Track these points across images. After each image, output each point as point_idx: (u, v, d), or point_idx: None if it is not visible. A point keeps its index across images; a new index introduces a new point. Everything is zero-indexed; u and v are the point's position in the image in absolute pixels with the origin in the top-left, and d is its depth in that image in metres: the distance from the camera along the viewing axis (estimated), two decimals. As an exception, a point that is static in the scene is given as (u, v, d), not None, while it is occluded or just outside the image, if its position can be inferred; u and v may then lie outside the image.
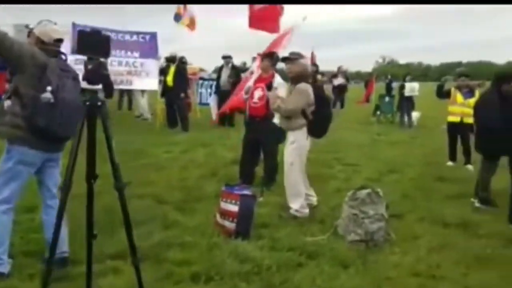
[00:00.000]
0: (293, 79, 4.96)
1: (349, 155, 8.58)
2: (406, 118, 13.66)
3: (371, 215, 4.17)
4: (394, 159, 8.17)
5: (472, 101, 7.04)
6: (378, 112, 15.08)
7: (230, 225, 4.24)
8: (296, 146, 4.87)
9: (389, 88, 18.71)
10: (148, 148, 8.45)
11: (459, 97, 7.75)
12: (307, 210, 4.86)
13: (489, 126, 5.30)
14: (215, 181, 6.11)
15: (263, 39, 7.06)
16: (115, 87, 12.00)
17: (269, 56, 6.06)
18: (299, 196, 4.85)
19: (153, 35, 11.29)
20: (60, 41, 3.40)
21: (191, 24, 12.56)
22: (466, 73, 8.07)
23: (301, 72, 4.94)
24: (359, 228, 4.16)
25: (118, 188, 2.71)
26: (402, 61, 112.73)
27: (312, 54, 16.95)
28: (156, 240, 3.98)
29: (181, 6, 12.28)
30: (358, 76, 68.62)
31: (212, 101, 12.28)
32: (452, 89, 7.92)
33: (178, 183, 5.99)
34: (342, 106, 18.21)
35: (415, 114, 13.67)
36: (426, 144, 10.10)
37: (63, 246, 3.53)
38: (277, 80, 5.80)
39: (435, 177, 6.89)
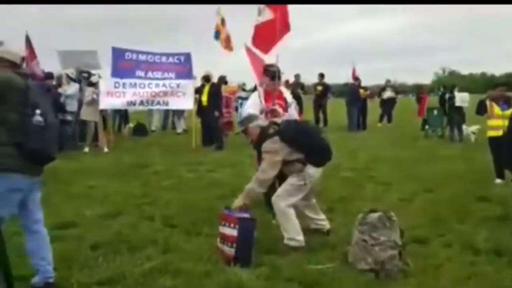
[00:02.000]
0: (256, 145, 4.58)
1: (385, 173, 8.06)
2: (456, 132, 12.79)
3: (382, 241, 3.76)
4: (433, 177, 7.56)
5: (509, 112, 6.43)
6: (427, 126, 14.26)
7: (229, 250, 3.97)
8: (296, 179, 4.34)
9: (442, 100, 17.72)
10: (175, 167, 8.39)
11: (496, 109, 7.11)
12: (301, 238, 4.29)
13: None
14: (231, 202, 5.88)
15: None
16: (152, 107, 12.30)
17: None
18: (289, 223, 4.32)
19: (188, 56, 11.41)
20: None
21: (227, 46, 12.51)
22: (505, 83, 7.43)
23: (259, 134, 4.49)
24: (369, 256, 3.76)
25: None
26: (464, 71, 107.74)
27: (353, 69, 16.50)
28: (150, 266, 3.79)
29: (219, 23, 12.30)
30: (416, 89, 66.11)
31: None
32: (487, 102, 7.28)
33: (194, 205, 5.80)
34: (389, 120, 17.47)
35: (472, 128, 12.65)
36: (475, 160, 9.33)
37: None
38: (289, 95, 5.53)
39: (476, 196, 6.28)
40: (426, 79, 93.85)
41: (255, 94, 5.55)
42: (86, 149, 10.89)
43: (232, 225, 3.98)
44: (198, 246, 4.29)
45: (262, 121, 4.61)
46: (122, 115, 14.64)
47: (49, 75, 11.22)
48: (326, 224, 4.73)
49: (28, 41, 11.48)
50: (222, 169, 8.23)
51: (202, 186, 6.88)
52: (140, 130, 14.44)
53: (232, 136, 12.69)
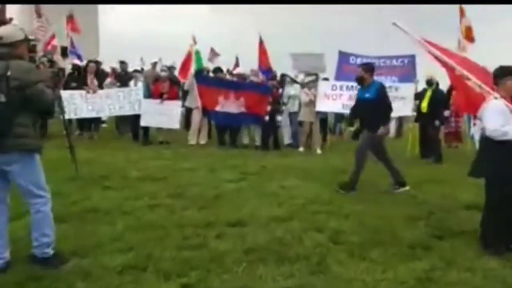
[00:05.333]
0: None
1: None
2: None
3: None
4: None
5: None
6: None
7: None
8: None
9: None
10: (376, 176, 7.72)
11: None
12: None
13: None
14: (420, 227, 5.01)
15: None
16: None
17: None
18: None
19: (412, 58, 10.49)
20: None
21: (469, 36, 11.21)
22: None
23: None
24: None
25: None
26: None
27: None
28: (286, 286, 3.44)
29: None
30: None
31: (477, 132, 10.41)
32: None
33: (375, 221, 5.13)
34: None
35: None
36: None
37: None
38: None
39: None
40: None
41: (497, 102, 4.36)
42: (301, 149, 11.13)
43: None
44: (353, 273, 3.70)
45: None
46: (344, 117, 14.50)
47: (274, 77, 11.90)
48: None
49: (260, 42, 12.48)
50: (427, 186, 7.18)
51: (393, 202, 6.07)
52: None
53: (456, 149, 11.24)
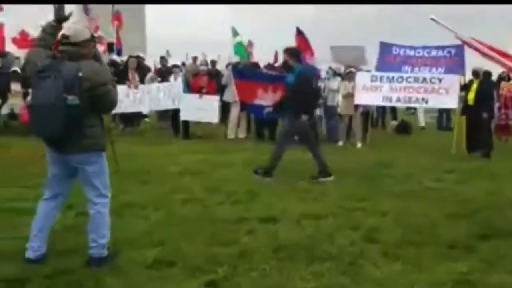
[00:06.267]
0: None
1: None
2: None
3: None
4: None
5: None
6: None
7: None
8: None
9: None
10: (418, 172, 7.43)
11: None
12: None
13: None
14: (462, 225, 4.76)
15: None
16: (409, 105, 11.37)
17: None
18: None
19: (459, 48, 9.96)
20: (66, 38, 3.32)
21: None
22: None
23: None
24: None
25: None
26: None
27: None
28: (313, 286, 3.34)
29: None
30: None
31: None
32: None
33: (414, 219, 4.91)
34: None
35: None
36: None
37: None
38: None
39: None
40: None
41: None
42: (340, 143, 10.86)
43: None
44: (387, 274, 3.53)
45: None
46: (387, 110, 14.12)
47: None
48: None
49: (300, 34, 12.28)
50: (475, 182, 6.81)
51: (435, 199, 5.79)
52: (404, 128, 13.60)
53: (506, 143, 10.68)
